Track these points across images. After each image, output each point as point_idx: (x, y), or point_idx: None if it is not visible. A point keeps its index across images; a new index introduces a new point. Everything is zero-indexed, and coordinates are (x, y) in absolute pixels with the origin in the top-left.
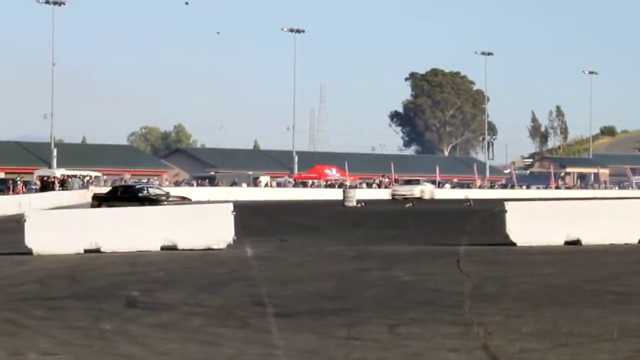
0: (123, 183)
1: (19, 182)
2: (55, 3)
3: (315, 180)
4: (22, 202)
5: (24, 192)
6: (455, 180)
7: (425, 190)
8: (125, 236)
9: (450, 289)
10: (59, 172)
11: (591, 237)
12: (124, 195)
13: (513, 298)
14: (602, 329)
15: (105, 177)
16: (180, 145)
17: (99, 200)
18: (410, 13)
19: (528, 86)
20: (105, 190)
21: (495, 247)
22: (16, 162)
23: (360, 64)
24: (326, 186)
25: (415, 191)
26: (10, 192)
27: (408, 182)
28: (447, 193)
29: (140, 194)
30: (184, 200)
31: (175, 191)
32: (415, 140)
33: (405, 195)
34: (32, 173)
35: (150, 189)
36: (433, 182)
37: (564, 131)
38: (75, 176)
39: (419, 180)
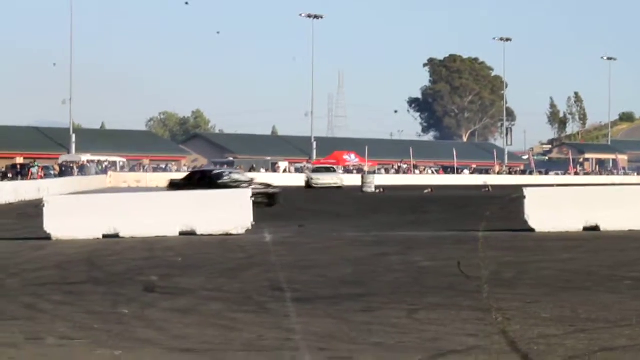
0: (144, 168)
1: (37, 168)
2: None
3: (333, 166)
4: (41, 188)
5: (42, 178)
6: (473, 166)
7: (343, 178)
8: (144, 221)
9: (468, 274)
10: (84, 157)
11: (610, 223)
12: (201, 182)
13: (531, 283)
14: (620, 315)
15: (121, 162)
16: (199, 130)
17: (176, 187)
18: None
19: (547, 72)
20: (123, 175)
21: (513, 233)
22: (35, 147)
23: (379, 49)
24: (344, 172)
25: (336, 179)
26: (28, 177)
27: (318, 170)
28: (466, 179)
29: (220, 180)
30: (268, 187)
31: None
32: (434, 126)
33: (328, 184)
34: (50, 158)
35: (232, 175)
36: (446, 168)
37: (583, 117)
38: (92, 161)
39: (334, 168)
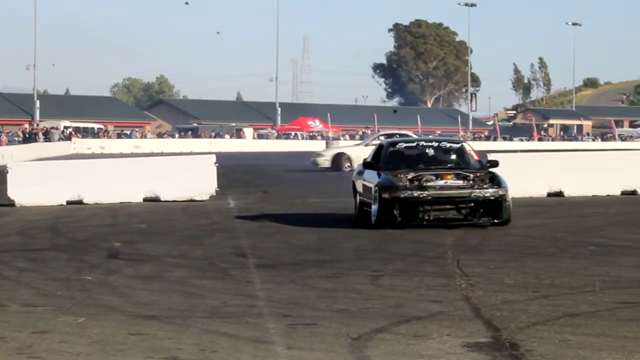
0: (107, 134)
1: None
2: None
3: (298, 132)
4: (4, 154)
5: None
6: (438, 132)
7: None
8: (108, 188)
9: (433, 241)
10: (63, 123)
11: (573, 188)
12: None
13: (495, 250)
14: (583, 281)
15: (99, 128)
16: (163, 96)
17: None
18: None
19: (511, 38)
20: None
21: None
22: None
23: (344, 14)
24: (309, 138)
25: None
26: None
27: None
28: None
29: None
30: (476, 182)
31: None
32: (399, 91)
33: None
34: (14, 124)
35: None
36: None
37: (547, 83)
38: (63, 127)
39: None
